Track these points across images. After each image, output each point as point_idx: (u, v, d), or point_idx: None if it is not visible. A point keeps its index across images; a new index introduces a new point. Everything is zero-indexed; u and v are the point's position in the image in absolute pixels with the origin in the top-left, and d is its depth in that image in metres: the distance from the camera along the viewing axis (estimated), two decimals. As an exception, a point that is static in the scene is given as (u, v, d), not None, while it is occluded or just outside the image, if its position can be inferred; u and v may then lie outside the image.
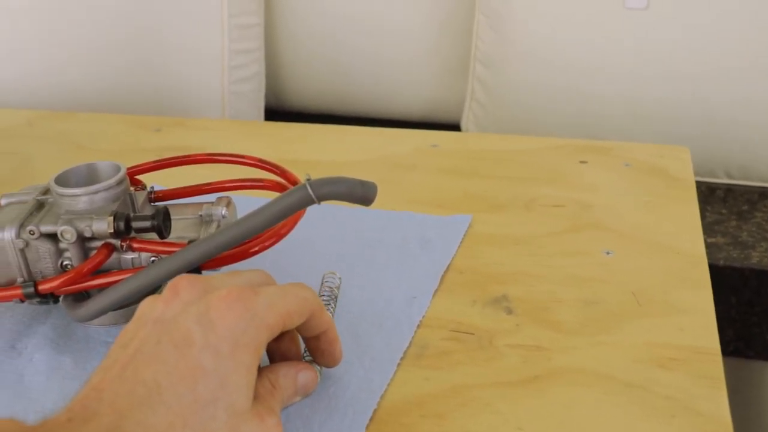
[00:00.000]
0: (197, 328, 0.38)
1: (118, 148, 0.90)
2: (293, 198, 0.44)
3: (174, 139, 0.92)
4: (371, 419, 0.45)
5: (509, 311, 0.54)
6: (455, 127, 1.23)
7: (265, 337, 0.40)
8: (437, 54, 1.22)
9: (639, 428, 0.43)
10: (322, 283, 0.55)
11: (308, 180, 0.44)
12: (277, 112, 1.32)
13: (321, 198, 0.44)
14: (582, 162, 0.78)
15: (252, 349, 0.39)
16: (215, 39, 1.16)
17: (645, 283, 0.57)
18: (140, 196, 0.56)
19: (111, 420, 0.35)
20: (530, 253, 0.61)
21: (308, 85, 1.30)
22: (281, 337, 0.46)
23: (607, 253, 0.61)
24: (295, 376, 0.45)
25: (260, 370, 0.42)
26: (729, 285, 0.87)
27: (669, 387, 0.47)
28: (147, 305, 0.42)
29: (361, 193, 0.45)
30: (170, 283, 0.42)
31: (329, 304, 0.53)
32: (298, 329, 0.45)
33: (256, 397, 0.40)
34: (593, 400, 0.46)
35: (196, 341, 0.38)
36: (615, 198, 0.70)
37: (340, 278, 0.56)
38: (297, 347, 0.47)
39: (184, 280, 0.42)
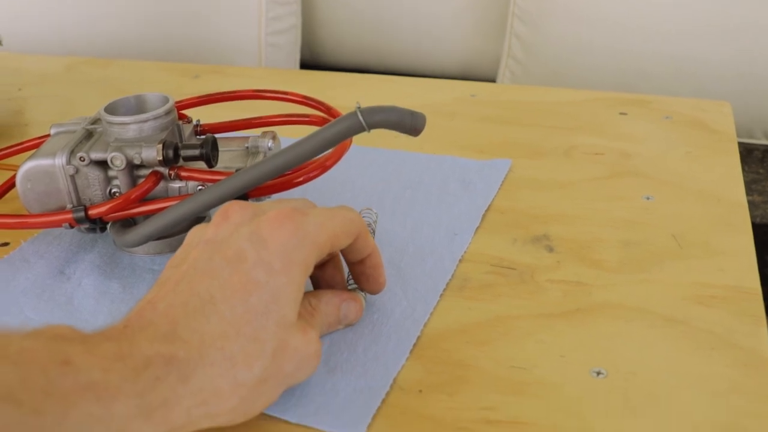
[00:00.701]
0: (249, 246, 0.39)
1: (158, 92, 0.90)
2: (344, 124, 0.44)
3: (212, 86, 0.92)
4: (415, 345, 0.45)
5: (550, 249, 0.55)
6: (491, 82, 1.22)
7: (314, 255, 0.40)
8: (474, 9, 1.21)
9: (679, 359, 0.44)
10: None
11: (359, 108, 0.45)
12: (311, 67, 1.32)
13: (371, 125, 0.44)
14: (622, 114, 0.78)
15: (302, 266, 0.39)
16: (253, -11, 1.16)
17: (685, 227, 0.57)
18: (187, 129, 0.57)
19: (166, 327, 0.36)
20: (570, 197, 0.62)
21: (343, 40, 1.29)
22: (326, 264, 0.47)
23: (648, 198, 0.61)
24: (338, 304, 0.45)
25: (306, 293, 0.43)
26: (765, 242, 0.86)
27: (709, 322, 0.47)
28: (196, 231, 0.43)
29: (411, 123, 0.45)
30: (220, 209, 0.43)
31: None
32: (344, 253, 0.46)
33: (298, 315, 0.41)
34: (634, 332, 0.46)
35: (249, 257, 0.38)
36: (655, 148, 0.70)
37: (377, 214, 0.56)
38: (341, 275, 0.48)
39: (234, 206, 0.42)
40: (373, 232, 0.55)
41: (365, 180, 0.64)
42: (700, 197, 0.61)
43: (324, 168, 0.51)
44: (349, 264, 0.47)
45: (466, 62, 1.25)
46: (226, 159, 0.55)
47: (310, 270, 0.41)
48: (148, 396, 0.33)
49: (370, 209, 0.56)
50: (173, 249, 0.56)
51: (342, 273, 0.48)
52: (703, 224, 0.57)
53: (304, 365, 0.40)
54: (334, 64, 1.33)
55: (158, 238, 0.55)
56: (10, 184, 0.62)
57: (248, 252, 0.39)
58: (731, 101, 0.81)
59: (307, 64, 1.31)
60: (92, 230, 0.55)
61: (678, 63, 1.04)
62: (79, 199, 0.54)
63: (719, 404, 0.41)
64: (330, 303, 0.45)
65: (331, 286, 0.47)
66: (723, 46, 1.03)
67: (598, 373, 0.43)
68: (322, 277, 0.47)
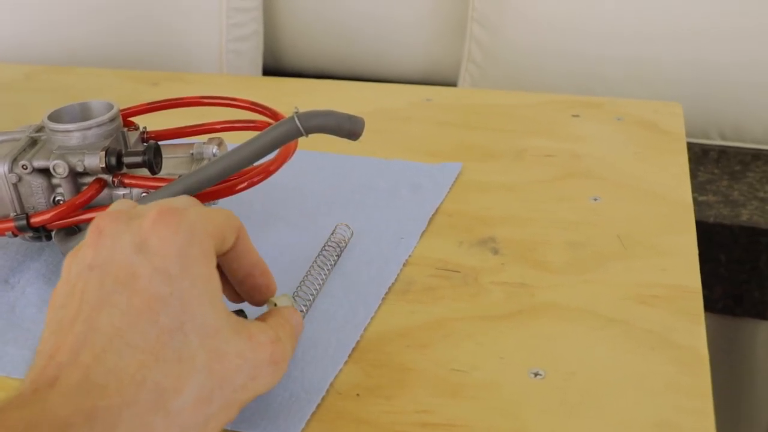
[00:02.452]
0: (138, 258, 0.34)
1: (116, 100, 0.90)
2: (281, 129, 0.45)
3: (171, 93, 0.91)
4: (355, 348, 0.45)
5: (495, 251, 0.55)
6: (452, 86, 1.23)
7: (210, 245, 0.36)
8: (434, 15, 1.22)
9: (619, 359, 0.44)
10: (332, 233, 0.56)
11: (296, 112, 0.45)
12: (274, 72, 1.32)
13: (309, 130, 0.45)
14: (574, 116, 0.78)
15: (202, 259, 0.35)
16: (213, -4, 1.16)
17: (631, 228, 0.57)
18: (133, 136, 0.57)
19: (77, 377, 0.31)
20: (519, 199, 0.62)
21: (305, 46, 1.30)
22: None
23: (595, 199, 0.62)
24: (292, 315, 0.42)
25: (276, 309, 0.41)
26: (718, 242, 0.87)
27: (649, 321, 0.47)
28: (73, 258, 0.37)
29: (349, 127, 0.45)
30: (91, 226, 0.37)
31: (331, 255, 0.53)
32: (229, 263, 0.41)
33: (264, 321, 0.38)
34: (576, 333, 0.46)
35: (142, 272, 0.34)
36: (605, 149, 0.71)
37: (352, 231, 0.56)
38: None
39: (105, 217, 0.37)
40: (341, 251, 0.54)
41: (315, 185, 0.64)
42: (647, 197, 0.62)
43: (267, 173, 0.51)
44: (238, 282, 0.42)
45: (427, 67, 1.26)
46: (171, 166, 0.55)
47: (213, 261, 0.36)
48: None
49: (347, 225, 0.56)
50: (119, 256, 0.55)
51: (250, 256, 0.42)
52: (649, 224, 0.58)
53: (258, 373, 0.36)
54: (298, 70, 1.33)
55: (103, 246, 0.54)
56: (-43, 194, 0.61)
57: (139, 266, 0.34)
58: (686, 103, 0.82)
59: (270, 70, 1.31)
60: (37, 238, 0.54)
61: (633, 66, 1.05)
62: (22, 207, 0.53)
63: (657, 402, 0.41)
64: (295, 313, 0.42)
65: (244, 276, 0.42)
66: (677, 48, 1.04)
67: (536, 374, 0.43)
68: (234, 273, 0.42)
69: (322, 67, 1.31)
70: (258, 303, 0.43)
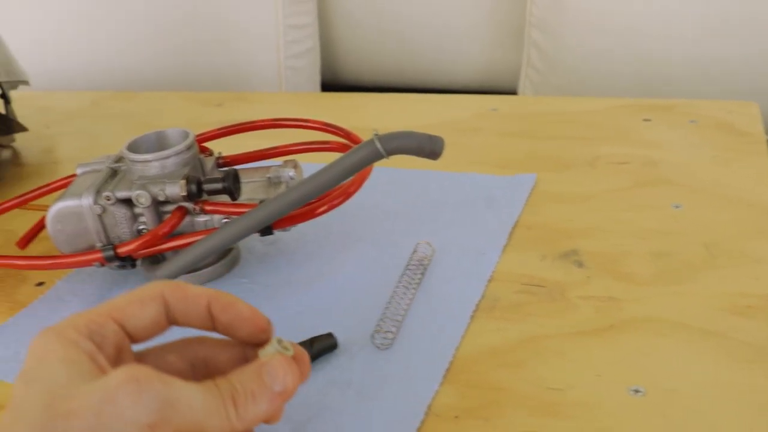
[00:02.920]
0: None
1: (182, 123, 0.91)
2: (362, 153, 0.45)
3: (236, 113, 0.93)
4: (447, 369, 0.45)
5: (579, 264, 0.54)
6: (512, 93, 1.22)
7: (71, 336, 0.34)
8: (491, 21, 1.21)
9: (719, 373, 0.43)
10: (413, 252, 0.55)
11: (376, 135, 0.45)
12: (332, 86, 1.33)
13: (390, 152, 0.44)
14: (645, 120, 0.77)
15: (59, 348, 0.33)
16: (269, 15, 1.17)
17: (716, 235, 0.56)
18: (209, 162, 0.58)
19: None
20: (597, 209, 0.61)
21: (363, 58, 1.30)
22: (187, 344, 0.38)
23: (676, 206, 0.60)
24: (256, 368, 0.34)
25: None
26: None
27: (747, 333, 0.46)
28: None
29: (430, 147, 0.45)
30: None
31: (416, 275, 0.53)
32: (195, 327, 0.37)
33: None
34: (670, 347, 0.45)
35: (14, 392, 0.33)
36: (681, 154, 0.69)
37: (433, 249, 0.56)
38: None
39: None
40: (425, 268, 0.54)
41: (389, 202, 0.64)
42: (730, 203, 0.60)
43: (347, 195, 0.51)
44: (216, 328, 0.37)
45: (486, 74, 1.25)
46: (249, 190, 0.55)
47: (81, 347, 0.33)
48: None
49: (428, 243, 0.56)
50: (204, 281, 0.56)
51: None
52: (735, 231, 0.56)
53: (114, 396, 0.31)
54: (355, 83, 1.34)
55: (188, 272, 0.55)
56: (42, 225, 0.63)
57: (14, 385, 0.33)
58: (758, 100, 0.79)
59: (328, 85, 1.32)
60: (123, 267, 0.55)
61: (701, 64, 1.03)
62: (107, 237, 0.54)
63: (764, 418, 0.40)
64: (245, 369, 0.34)
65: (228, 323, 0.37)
66: (746, 43, 1.01)
67: (636, 392, 0.42)
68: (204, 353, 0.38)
69: (379, 79, 1.31)
70: (256, 340, 0.37)
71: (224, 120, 0.91)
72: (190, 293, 0.36)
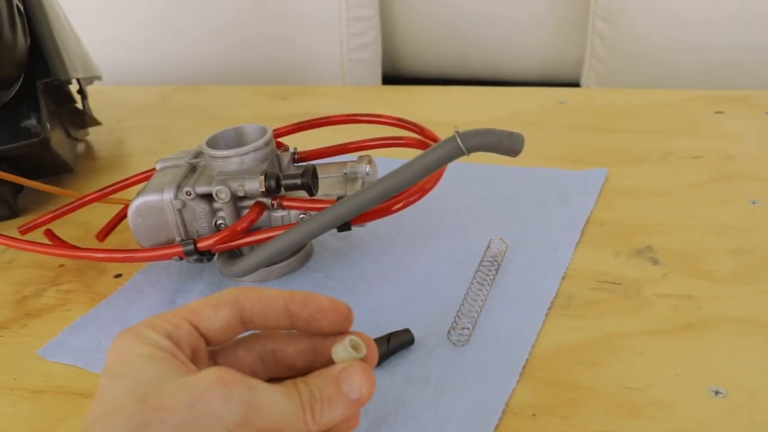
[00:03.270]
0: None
1: (250, 116, 0.93)
2: (443, 150, 0.45)
3: (300, 106, 0.94)
4: (524, 367, 0.45)
5: (655, 261, 0.54)
6: (575, 85, 1.21)
7: (151, 336, 0.35)
8: (552, 12, 1.20)
9: (803, 375, 0.42)
10: (487, 248, 0.56)
11: (457, 132, 0.45)
12: (393, 79, 1.33)
13: (470, 149, 0.45)
14: (718, 112, 0.76)
15: (142, 346, 0.35)
16: (333, 7, 1.18)
17: (797, 232, 0.55)
18: (285, 157, 0.59)
19: None
20: (672, 205, 0.60)
21: (423, 50, 1.30)
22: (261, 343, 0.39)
23: (754, 202, 0.59)
24: (335, 374, 0.35)
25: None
26: None
27: (833, 334, 0.45)
28: None
29: (510, 144, 0.45)
30: None
31: (490, 271, 0.53)
32: (271, 327, 0.38)
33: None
34: (753, 348, 0.45)
35: (100, 384, 0.35)
36: (757, 147, 0.68)
37: (506, 245, 0.56)
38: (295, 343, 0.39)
39: None
40: (499, 264, 0.54)
41: (460, 197, 0.64)
42: (811, 198, 0.59)
43: (423, 192, 0.52)
44: (296, 327, 0.38)
45: (548, 65, 1.24)
46: (326, 186, 0.56)
47: (161, 346, 0.35)
48: None
49: (501, 239, 0.56)
50: (279, 276, 0.57)
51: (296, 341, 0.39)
52: (816, 228, 0.55)
53: (204, 395, 0.32)
54: (416, 75, 1.34)
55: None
56: (119, 218, 0.65)
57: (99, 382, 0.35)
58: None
59: (388, 77, 1.32)
60: (200, 261, 0.57)
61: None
62: (186, 231, 0.55)
63: None
64: (323, 374, 0.36)
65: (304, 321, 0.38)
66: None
67: (717, 392, 0.42)
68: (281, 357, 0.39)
69: (439, 70, 1.30)
70: (338, 329, 0.38)
71: (290, 113, 0.93)
72: (266, 295, 0.38)
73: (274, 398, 0.33)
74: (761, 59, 1.01)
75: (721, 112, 0.75)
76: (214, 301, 0.38)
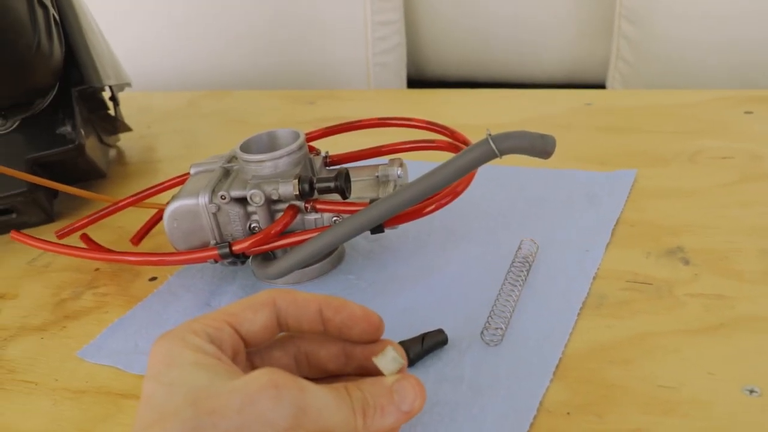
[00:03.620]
0: (143, 383, 0.36)
1: (277, 120, 0.94)
2: (476, 152, 0.45)
3: (327, 111, 0.95)
4: (557, 365, 0.46)
5: (686, 261, 0.54)
6: (600, 87, 1.21)
7: (194, 340, 0.36)
8: (579, 13, 1.20)
9: (838, 374, 0.43)
10: (518, 249, 0.56)
11: (489, 135, 0.46)
12: (418, 82, 1.34)
13: (503, 152, 0.45)
14: (747, 113, 0.76)
15: (186, 351, 0.35)
16: (358, 12, 1.19)
17: (829, 232, 0.55)
18: (317, 161, 0.60)
19: None
20: (701, 205, 0.60)
21: (448, 53, 1.30)
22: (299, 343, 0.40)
23: (785, 202, 0.59)
24: (388, 384, 0.36)
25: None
26: None
27: None
28: None
29: (542, 146, 0.46)
30: None
31: (521, 272, 0.54)
32: (305, 331, 0.39)
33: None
34: (785, 346, 0.45)
35: (142, 387, 0.35)
36: (787, 147, 0.68)
37: (537, 246, 0.56)
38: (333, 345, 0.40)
39: None
40: (530, 265, 0.55)
41: (489, 199, 0.65)
42: (842, 198, 0.59)
43: (455, 194, 0.52)
44: (329, 333, 0.39)
45: (573, 67, 1.24)
46: (358, 189, 0.57)
47: (206, 350, 0.36)
48: None
49: (532, 240, 0.57)
50: (311, 278, 0.58)
51: (332, 346, 0.40)
52: None
53: (256, 398, 0.33)
54: (440, 78, 1.34)
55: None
56: (154, 222, 0.66)
57: (143, 385, 0.36)
58: None
59: (413, 80, 1.33)
60: (234, 264, 0.58)
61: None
62: (221, 234, 0.57)
63: None
64: (376, 382, 0.36)
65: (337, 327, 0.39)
66: None
67: (752, 391, 0.42)
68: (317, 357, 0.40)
69: (464, 73, 1.31)
70: (367, 338, 0.39)
71: (317, 117, 0.94)
72: (301, 298, 0.39)
73: (324, 401, 0.34)
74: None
75: (751, 112, 0.75)
76: (252, 303, 0.39)
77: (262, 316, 0.38)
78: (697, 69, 1.06)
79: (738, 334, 0.46)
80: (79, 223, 0.65)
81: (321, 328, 0.39)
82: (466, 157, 0.46)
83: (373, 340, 0.39)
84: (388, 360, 0.36)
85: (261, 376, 0.33)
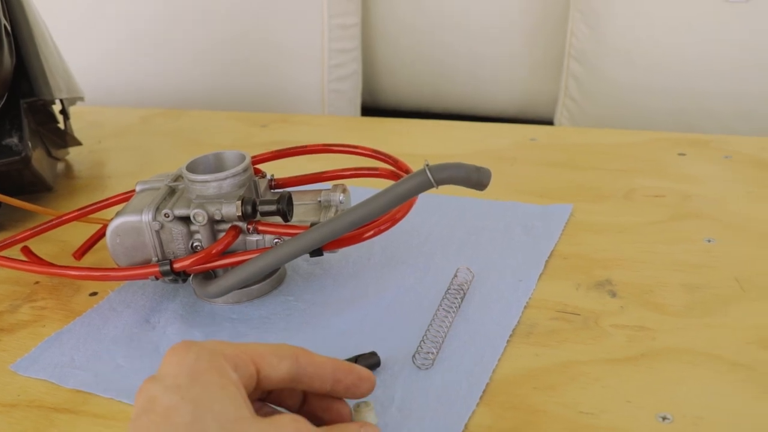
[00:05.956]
0: (153, 386, 0.36)
1: (229, 142, 0.95)
2: (413, 182, 0.47)
3: (280, 134, 0.96)
4: (485, 391, 0.47)
5: (613, 294, 0.56)
6: (548, 123, 1.24)
7: (222, 363, 0.37)
8: (531, 51, 1.24)
9: (747, 404, 0.45)
10: (454, 276, 0.58)
11: (427, 165, 0.47)
12: (372, 110, 1.36)
13: (440, 182, 0.47)
14: (680, 154, 0.79)
15: (214, 371, 0.37)
16: (316, 39, 1.21)
17: (748, 270, 0.58)
18: (262, 183, 0.61)
19: None
20: (632, 241, 0.63)
21: (402, 83, 1.33)
22: (300, 397, 0.43)
23: (709, 240, 0.62)
24: (356, 429, 0.40)
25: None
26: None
27: (776, 367, 0.48)
28: None
29: (477, 178, 0.47)
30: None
31: (456, 299, 0.55)
32: (307, 388, 0.41)
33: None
34: (700, 377, 0.47)
35: (156, 395, 0.36)
36: (716, 189, 0.71)
37: (473, 274, 0.58)
38: (334, 406, 0.43)
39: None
40: (464, 293, 0.56)
41: (429, 227, 0.66)
42: (763, 239, 0.62)
43: (394, 221, 0.54)
44: (328, 391, 0.42)
45: (523, 103, 1.27)
46: (300, 212, 0.58)
47: (228, 375, 0.37)
48: None
49: (468, 268, 0.58)
50: (252, 298, 0.59)
51: (336, 404, 0.43)
52: (766, 267, 0.58)
53: None
54: (394, 107, 1.37)
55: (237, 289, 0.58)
56: (97, 238, 0.66)
57: (154, 392, 0.36)
58: (793, 137, 0.81)
59: (367, 108, 1.35)
60: (175, 281, 0.58)
61: (737, 101, 1.04)
62: (163, 252, 0.57)
63: (788, 449, 0.42)
64: (347, 428, 0.40)
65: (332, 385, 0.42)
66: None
67: (664, 419, 0.44)
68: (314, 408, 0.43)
69: (418, 103, 1.34)
70: (360, 396, 0.42)
71: (269, 140, 0.95)
72: (318, 360, 0.41)
73: None
74: (723, 106, 1.05)
75: (684, 154, 0.79)
76: (276, 351, 0.40)
77: (284, 367, 0.40)
78: (639, 110, 1.10)
79: (656, 364, 0.48)
80: (21, 236, 0.65)
81: (329, 389, 0.41)
82: (403, 186, 0.47)
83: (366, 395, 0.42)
84: (367, 413, 0.42)
85: (289, 423, 0.36)
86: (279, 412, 0.41)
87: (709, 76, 1.05)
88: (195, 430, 0.34)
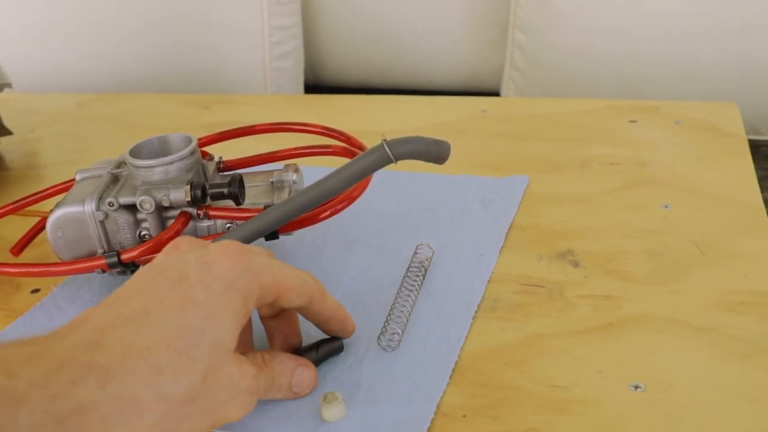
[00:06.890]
0: (193, 267, 0.39)
1: (170, 125, 0.91)
2: (371, 158, 0.45)
3: (223, 115, 0.93)
4: (454, 369, 0.46)
5: (576, 264, 0.55)
6: (495, 94, 1.24)
7: (256, 291, 0.40)
8: (475, 22, 1.23)
9: (715, 368, 0.45)
10: (414, 254, 0.56)
11: (385, 140, 0.46)
12: (315, 87, 1.34)
13: (398, 157, 0.45)
14: (632, 121, 0.79)
15: (243, 294, 0.39)
16: (254, 16, 1.18)
17: (706, 234, 0.58)
18: (210, 166, 0.58)
19: (91, 335, 0.35)
20: (590, 210, 0.62)
21: (346, 59, 1.31)
22: (280, 316, 0.46)
23: (666, 206, 0.62)
24: (293, 368, 0.44)
25: (259, 350, 0.44)
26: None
27: (740, 329, 0.48)
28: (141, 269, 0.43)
29: (437, 151, 0.46)
30: (171, 242, 0.43)
31: (417, 276, 0.54)
32: (305, 315, 0.45)
33: (247, 359, 0.40)
34: (668, 343, 0.47)
35: (191, 277, 0.38)
36: (668, 154, 0.71)
37: (433, 250, 0.57)
38: (295, 332, 0.47)
39: (185, 239, 0.43)
40: (426, 270, 0.55)
41: (385, 204, 0.65)
42: (717, 203, 0.62)
43: (350, 200, 0.52)
44: (315, 324, 0.47)
45: (469, 74, 1.27)
46: (252, 195, 0.56)
47: (251, 305, 0.40)
48: (61, 401, 0.32)
49: (428, 245, 0.57)
50: (204, 286, 0.57)
51: (296, 330, 0.47)
52: (723, 230, 0.58)
53: (236, 398, 0.38)
54: (338, 84, 1.34)
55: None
56: (36, 231, 0.63)
57: (191, 273, 0.39)
58: (736, 99, 0.82)
59: (310, 85, 1.33)
60: (123, 273, 0.56)
61: (681, 65, 1.05)
62: (109, 243, 0.54)
63: (760, 411, 0.42)
64: (284, 363, 0.43)
65: (285, 341, 0.46)
66: (725, 45, 1.04)
67: (636, 387, 0.44)
68: (276, 328, 0.46)
69: (362, 79, 1.32)
70: (332, 333, 0.47)
71: (213, 122, 0.92)
72: (325, 306, 0.45)
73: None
74: (669, 72, 1.06)
75: (635, 121, 0.79)
76: (299, 289, 0.42)
77: (297, 304, 0.43)
78: (586, 78, 1.10)
79: (624, 334, 0.48)
80: (-46, 233, 0.61)
81: (317, 323, 0.46)
82: (361, 163, 0.46)
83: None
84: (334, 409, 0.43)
85: (247, 378, 0.39)
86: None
87: (652, 42, 1.06)
88: (191, 338, 0.36)
